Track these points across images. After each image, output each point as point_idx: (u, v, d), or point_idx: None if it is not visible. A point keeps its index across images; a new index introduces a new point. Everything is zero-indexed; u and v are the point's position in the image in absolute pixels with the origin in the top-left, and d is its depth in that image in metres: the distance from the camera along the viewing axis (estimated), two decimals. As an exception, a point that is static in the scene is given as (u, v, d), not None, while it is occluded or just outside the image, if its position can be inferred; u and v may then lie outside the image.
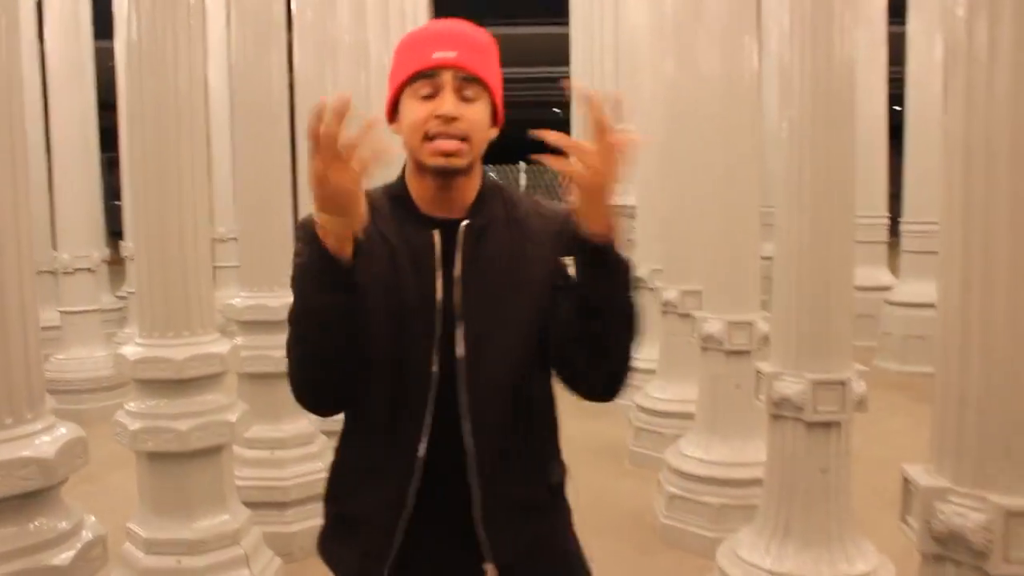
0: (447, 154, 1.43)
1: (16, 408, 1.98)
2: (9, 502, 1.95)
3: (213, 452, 3.08)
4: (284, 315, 4.05)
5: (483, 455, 1.47)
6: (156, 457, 3.03)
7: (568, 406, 1.65)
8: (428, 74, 1.45)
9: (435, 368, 1.46)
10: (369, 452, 1.53)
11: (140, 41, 2.97)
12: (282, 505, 3.87)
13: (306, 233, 1.40)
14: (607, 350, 1.49)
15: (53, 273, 6.81)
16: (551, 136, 1.33)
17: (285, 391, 4.11)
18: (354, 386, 1.48)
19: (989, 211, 1.74)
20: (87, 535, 2.08)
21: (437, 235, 1.48)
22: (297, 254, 1.46)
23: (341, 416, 1.60)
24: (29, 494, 1.97)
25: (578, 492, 1.71)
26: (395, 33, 8.30)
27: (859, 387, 2.99)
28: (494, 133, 1.53)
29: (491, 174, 1.66)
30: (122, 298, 9.03)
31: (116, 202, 9.04)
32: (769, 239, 3.35)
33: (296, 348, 1.47)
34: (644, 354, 4.81)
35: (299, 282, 1.44)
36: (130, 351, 3.04)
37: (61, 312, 6.63)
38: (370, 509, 1.52)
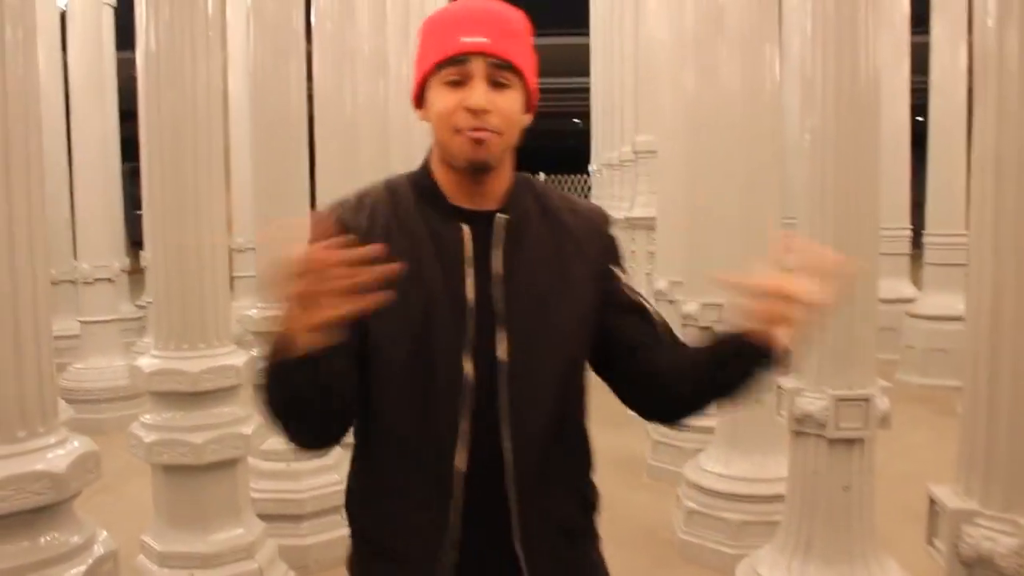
0: (477, 142, 1.33)
1: (29, 422, 1.97)
2: (21, 516, 1.93)
3: (228, 465, 3.06)
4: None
5: (522, 467, 1.36)
6: (171, 470, 3.01)
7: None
8: (457, 60, 1.33)
9: (468, 372, 1.34)
10: (395, 469, 1.39)
11: (158, 52, 2.97)
12: (297, 518, 3.84)
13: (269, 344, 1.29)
14: (706, 404, 1.47)
15: (73, 283, 6.84)
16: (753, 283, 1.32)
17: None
18: (350, 413, 1.39)
19: (1021, 223, 1.70)
20: (99, 550, 2.07)
21: (467, 230, 1.37)
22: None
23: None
24: (41, 508, 1.96)
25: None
26: (415, 42, 8.33)
27: (883, 403, 2.93)
28: (527, 119, 1.42)
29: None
30: (142, 307, 9.07)
31: (138, 212, 9.10)
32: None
33: (281, 418, 1.34)
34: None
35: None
36: (146, 363, 3.03)
37: (80, 322, 6.65)
38: (409, 537, 1.38)
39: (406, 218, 1.39)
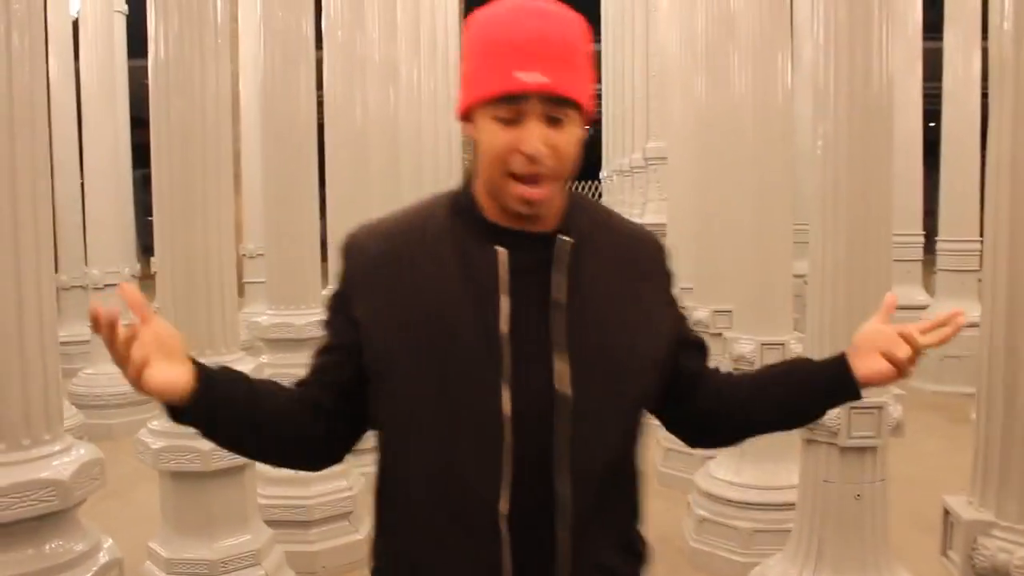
0: (530, 202, 1.22)
1: (34, 429, 1.97)
2: (25, 524, 1.93)
3: (235, 472, 3.05)
4: (310, 333, 4.04)
5: (577, 510, 1.24)
6: (178, 476, 3.00)
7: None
8: (510, 99, 1.20)
9: (506, 408, 1.21)
10: (427, 517, 1.27)
11: (167, 59, 2.97)
12: (306, 524, 3.83)
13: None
14: (767, 431, 1.47)
15: (84, 288, 6.85)
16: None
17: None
18: (352, 435, 1.35)
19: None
20: (103, 557, 2.06)
21: (503, 253, 1.24)
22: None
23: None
24: (45, 516, 1.95)
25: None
26: (426, 51, 8.35)
27: (896, 411, 2.90)
28: (585, 133, 1.29)
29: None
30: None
31: (150, 218, 9.10)
32: (801, 257, 3.27)
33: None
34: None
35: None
36: (153, 370, 3.01)
37: (91, 327, 6.66)
38: None
39: (435, 241, 1.28)
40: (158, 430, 3.01)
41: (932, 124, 7.83)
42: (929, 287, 8.23)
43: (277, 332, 3.87)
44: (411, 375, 1.24)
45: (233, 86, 7.18)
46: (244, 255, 9.23)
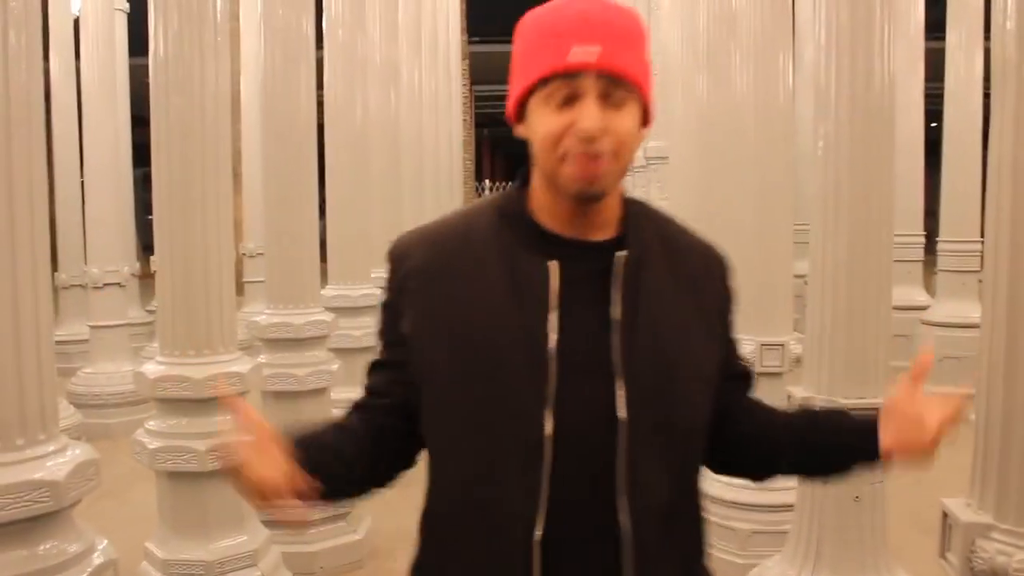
0: (589, 179, 1.15)
1: (29, 429, 1.96)
2: (19, 524, 1.92)
3: (233, 472, 3.03)
4: (309, 332, 4.03)
5: (641, 540, 1.16)
6: (175, 476, 2.99)
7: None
8: (565, 76, 1.15)
9: (549, 431, 1.14)
10: (460, 537, 1.22)
11: (166, 58, 2.96)
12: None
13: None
14: (784, 473, 1.44)
15: (84, 287, 6.85)
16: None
17: (308, 409, 4.09)
18: (412, 448, 1.30)
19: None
20: (98, 559, 2.05)
21: (554, 265, 1.18)
22: None
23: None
24: (39, 516, 1.94)
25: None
26: (427, 52, 8.34)
27: (895, 413, 2.88)
28: (645, 134, 1.25)
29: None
30: (152, 312, 9.07)
31: (150, 216, 9.11)
32: (802, 257, 3.26)
33: None
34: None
35: None
36: (150, 369, 3.01)
37: (90, 326, 6.67)
38: None
39: (481, 250, 1.22)
40: (155, 430, 3.01)
41: (934, 124, 7.82)
42: (930, 287, 8.22)
43: (276, 332, 3.86)
44: (451, 390, 1.20)
45: (234, 85, 7.19)
46: (244, 254, 9.23)
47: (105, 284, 6.48)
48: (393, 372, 1.29)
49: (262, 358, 3.82)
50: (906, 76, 7.55)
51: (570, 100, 1.15)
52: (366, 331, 4.95)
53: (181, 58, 2.95)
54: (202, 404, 2.96)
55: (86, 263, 6.74)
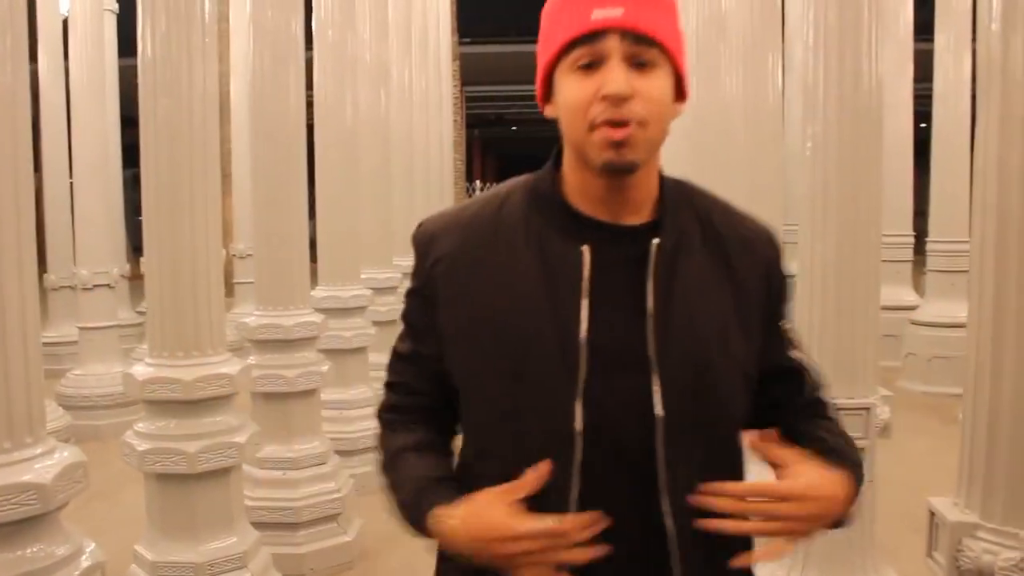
0: (618, 145, 1.08)
1: (15, 432, 1.95)
2: (6, 527, 1.91)
3: (221, 474, 3.03)
4: (298, 334, 4.02)
5: (684, 539, 1.12)
6: (164, 478, 2.98)
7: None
8: (588, 39, 1.09)
9: (579, 424, 1.10)
10: None
11: (154, 59, 2.95)
12: (293, 526, 3.82)
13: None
14: None
15: (73, 288, 6.83)
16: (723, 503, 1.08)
17: (298, 410, 4.09)
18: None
19: (1023, 230, 1.67)
20: (86, 561, 2.04)
21: (587, 249, 1.13)
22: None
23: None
24: (26, 519, 1.93)
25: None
26: (417, 51, 8.33)
27: (884, 413, 2.89)
28: (680, 109, 1.18)
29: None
30: (142, 313, 9.06)
31: (140, 217, 9.07)
32: (790, 257, 3.26)
33: None
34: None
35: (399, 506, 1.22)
36: (139, 371, 3.00)
37: (79, 328, 6.64)
38: None
39: (510, 234, 1.17)
40: (144, 432, 2.99)
41: (924, 125, 7.85)
42: (919, 287, 8.26)
43: (265, 333, 3.86)
44: (482, 381, 1.17)
45: (223, 86, 7.16)
46: (234, 255, 9.21)
47: (95, 286, 6.45)
48: (424, 364, 1.25)
49: (251, 359, 3.81)
50: (895, 77, 7.59)
51: (595, 67, 1.10)
52: (356, 332, 4.94)
53: (169, 60, 2.94)
54: (191, 406, 2.95)
55: (75, 265, 6.71)
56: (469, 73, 18.13)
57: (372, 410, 5.39)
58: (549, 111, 1.18)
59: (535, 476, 1.09)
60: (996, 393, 1.71)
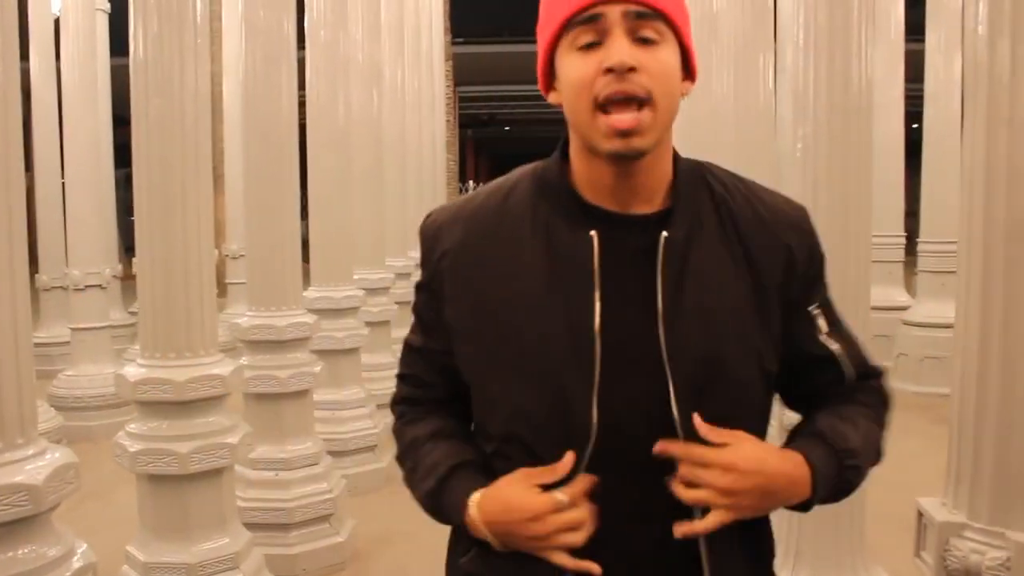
0: (625, 133, 1.04)
1: (7, 433, 1.94)
2: (-3, 528, 1.91)
3: (214, 475, 3.02)
4: (291, 335, 4.02)
5: (717, 545, 1.10)
6: (156, 479, 2.98)
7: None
8: (588, 17, 1.05)
9: (595, 419, 1.06)
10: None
11: (146, 59, 2.95)
12: (286, 527, 3.82)
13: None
14: None
15: (65, 289, 6.81)
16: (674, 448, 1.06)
17: (290, 411, 4.09)
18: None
19: (1011, 232, 1.68)
20: (77, 562, 2.04)
21: (596, 238, 1.09)
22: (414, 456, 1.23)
23: None
24: (17, 521, 1.93)
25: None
26: (410, 51, 8.33)
27: (874, 413, 2.90)
28: (688, 88, 1.13)
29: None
30: (134, 314, 9.04)
31: (132, 218, 9.05)
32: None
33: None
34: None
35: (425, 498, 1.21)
36: (131, 372, 3.00)
37: (71, 328, 6.63)
38: None
39: (516, 224, 1.14)
40: (136, 433, 2.99)
41: (915, 125, 7.88)
42: (910, 288, 8.28)
43: (257, 334, 3.86)
44: (490, 377, 1.14)
45: (216, 86, 7.15)
46: (227, 255, 9.20)
47: (86, 286, 6.44)
48: (433, 358, 1.24)
49: (244, 360, 3.81)
50: (886, 78, 7.61)
51: (597, 43, 1.06)
52: (349, 333, 4.94)
53: (161, 60, 2.93)
54: (183, 407, 2.95)
55: (67, 265, 6.70)
56: (462, 73, 18.12)
57: (365, 411, 5.41)
58: (552, 98, 1.14)
59: (563, 464, 1.07)
60: (982, 394, 1.72)
